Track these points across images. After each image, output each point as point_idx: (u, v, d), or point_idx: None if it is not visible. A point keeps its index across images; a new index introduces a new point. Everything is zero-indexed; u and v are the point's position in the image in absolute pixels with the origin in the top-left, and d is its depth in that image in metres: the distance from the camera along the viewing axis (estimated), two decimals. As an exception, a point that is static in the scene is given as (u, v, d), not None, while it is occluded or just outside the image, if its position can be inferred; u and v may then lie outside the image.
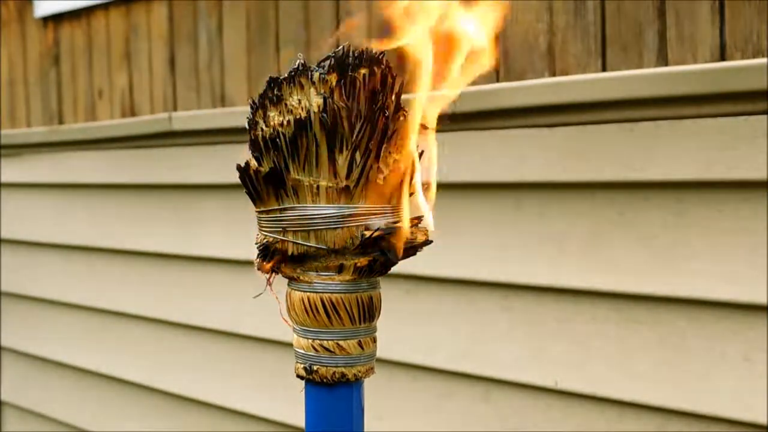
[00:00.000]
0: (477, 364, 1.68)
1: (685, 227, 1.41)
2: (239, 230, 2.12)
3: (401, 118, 0.58)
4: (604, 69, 1.50)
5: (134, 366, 2.55)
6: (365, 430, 0.60)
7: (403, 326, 1.79)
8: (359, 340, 0.58)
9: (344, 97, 0.55)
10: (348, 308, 0.58)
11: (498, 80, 1.64)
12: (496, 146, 1.61)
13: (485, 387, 1.68)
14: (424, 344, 1.77)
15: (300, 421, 0.58)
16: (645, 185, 1.44)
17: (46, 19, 2.83)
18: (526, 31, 1.60)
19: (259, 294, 0.61)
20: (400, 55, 0.57)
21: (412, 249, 0.58)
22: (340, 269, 0.57)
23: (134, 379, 2.53)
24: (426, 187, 0.59)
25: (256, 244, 0.59)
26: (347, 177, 0.56)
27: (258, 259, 0.59)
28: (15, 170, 2.98)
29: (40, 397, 2.96)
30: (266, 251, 0.58)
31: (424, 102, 0.57)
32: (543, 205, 1.57)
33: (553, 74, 1.57)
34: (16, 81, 3.00)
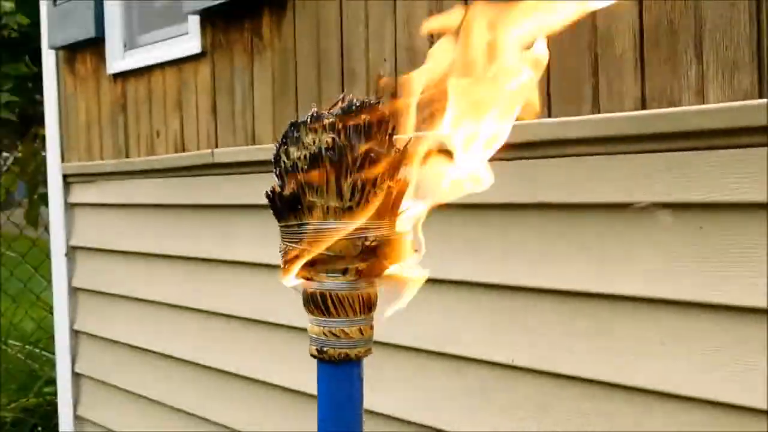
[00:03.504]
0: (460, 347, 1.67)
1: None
2: (266, 241, 2.12)
3: (393, 153, 0.58)
4: (549, 115, 1.51)
5: (180, 344, 2.55)
6: (363, 397, 0.60)
7: (397, 318, 1.78)
8: (360, 328, 0.58)
9: (348, 137, 0.56)
10: (350, 302, 0.58)
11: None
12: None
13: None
14: (424, 335, 1.76)
15: (313, 389, 0.57)
16: (578, 207, 1.44)
17: (116, 76, 2.83)
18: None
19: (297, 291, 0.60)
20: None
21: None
22: (344, 271, 0.57)
23: (181, 355, 2.54)
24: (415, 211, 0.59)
25: (280, 251, 0.59)
26: (351, 199, 0.56)
27: (282, 264, 0.59)
28: (91, 193, 3.00)
29: (108, 370, 2.95)
30: (287, 257, 0.58)
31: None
32: (505, 223, 1.57)
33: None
34: (92, 124, 3.00)
